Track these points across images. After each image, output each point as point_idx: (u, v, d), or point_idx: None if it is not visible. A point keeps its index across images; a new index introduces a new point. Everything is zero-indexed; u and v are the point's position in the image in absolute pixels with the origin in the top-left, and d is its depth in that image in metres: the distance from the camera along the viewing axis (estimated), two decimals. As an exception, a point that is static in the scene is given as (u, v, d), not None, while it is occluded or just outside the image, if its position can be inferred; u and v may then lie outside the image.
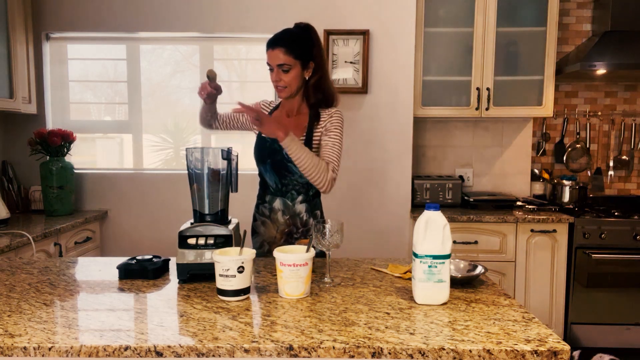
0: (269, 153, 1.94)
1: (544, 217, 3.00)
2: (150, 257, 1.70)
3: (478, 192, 3.52)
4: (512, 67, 3.26)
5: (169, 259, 1.75)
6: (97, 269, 1.74)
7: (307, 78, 1.90)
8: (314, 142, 1.91)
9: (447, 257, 1.36)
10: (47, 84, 3.23)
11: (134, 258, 1.68)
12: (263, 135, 1.95)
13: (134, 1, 3.13)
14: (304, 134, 1.91)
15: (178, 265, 1.57)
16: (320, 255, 1.83)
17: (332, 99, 1.96)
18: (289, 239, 1.98)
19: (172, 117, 3.38)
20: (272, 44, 1.85)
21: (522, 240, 3.03)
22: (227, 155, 1.71)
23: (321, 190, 1.87)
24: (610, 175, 3.58)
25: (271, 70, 1.88)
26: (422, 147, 3.58)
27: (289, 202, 1.96)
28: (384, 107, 3.15)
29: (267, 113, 2.02)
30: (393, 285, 1.56)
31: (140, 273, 1.62)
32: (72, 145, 3.09)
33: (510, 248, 3.03)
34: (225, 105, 3.37)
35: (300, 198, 1.97)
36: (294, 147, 1.76)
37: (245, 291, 1.41)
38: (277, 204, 1.97)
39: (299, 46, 1.86)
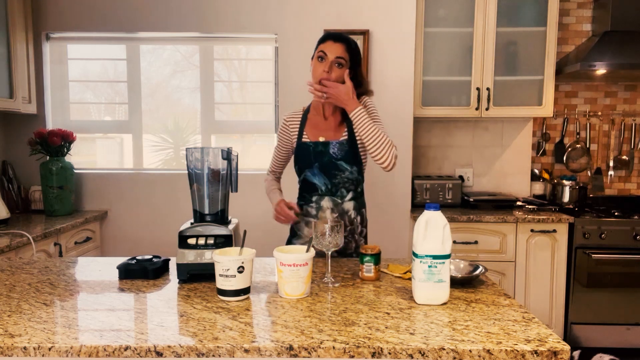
0: (315, 156, 1.93)
1: (544, 217, 3.00)
2: (150, 257, 1.70)
3: (478, 192, 3.52)
4: (512, 67, 3.26)
5: (169, 259, 1.75)
6: (97, 269, 1.74)
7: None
8: (356, 133, 1.91)
9: (447, 257, 1.36)
10: (47, 84, 3.23)
11: (134, 258, 1.68)
12: (303, 141, 1.95)
13: (134, 1, 3.13)
14: (346, 130, 1.93)
15: (178, 265, 1.57)
16: (320, 255, 1.84)
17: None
18: None
19: (172, 117, 3.38)
20: (335, 37, 1.87)
21: (522, 240, 3.03)
22: (227, 155, 1.71)
23: (384, 166, 1.83)
24: (610, 175, 3.58)
25: (321, 60, 1.85)
26: (422, 147, 3.58)
27: (339, 200, 1.95)
28: (384, 107, 3.13)
29: (299, 121, 2.01)
30: (393, 285, 1.56)
31: (140, 273, 1.62)
32: (72, 145, 3.09)
33: (510, 248, 3.03)
34: (226, 105, 3.38)
35: (349, 196, 1.96)
36: (363, 117, 1.79)
37: (245, 291, 1.41)
38: (326, 202, 1.95)
39: (355, 51, 1.90)
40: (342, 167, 1.92)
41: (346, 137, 1.93)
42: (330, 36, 1.88)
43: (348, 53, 1.86)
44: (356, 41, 2.00)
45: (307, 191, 1.99)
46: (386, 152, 1.80)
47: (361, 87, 1.95)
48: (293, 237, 2.04)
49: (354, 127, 1.83)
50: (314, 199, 1.97)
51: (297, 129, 2.00)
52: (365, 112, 1.81)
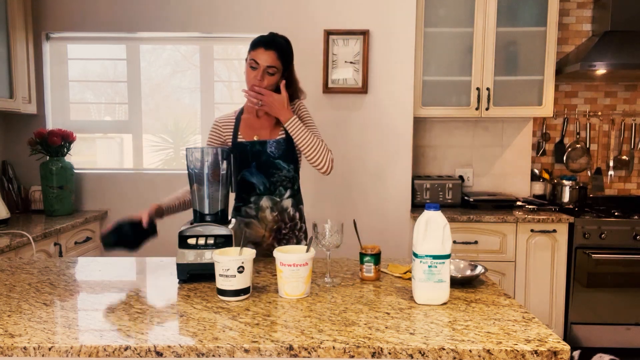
0: (252, 156, 1.93)
1: (544, 217, 3.00)
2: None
3: (478, 192, 3.52)
4: (512, 67, 3.26)
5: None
6: (97, 269, 1.74)
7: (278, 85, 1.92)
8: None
9: (447, 257, 1.36)
10: (47, 84, 3.23)
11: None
12: (239, 141, 1.95)
13: (134, 1, 3.13)
14: (281, 130, 1.94)
15: (178, 265, 1.57)
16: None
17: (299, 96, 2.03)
18: (278, 235, 1.98)
19: (172, 117, 3.38)
20: (267, 44, 1.85)
21: (522, 240, 3.02)
22: (227, 155, 1.71)
23: (322, 171, 1.89)
24: (610, 175, 3.58)
25: (253, 68, 1.86)
26: (422, 147, 3.58)
27: (277, 198, 1.96)
28: (384, 107, 3.14)
29: (232, 123, 2.02)
30: (393, 285, 1.56)
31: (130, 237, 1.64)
32: (72, 145, 3.08)
33: (510, 248, 3.03)
34: (225, 106, 3.38)
35: (287, 193, 1.97)
36: (298, 127, 1.83)
37: (245, 291, 1.41)
38: (265, 202, 1.95)
39: (287, 55, 1.91)
40: (280, 165, 1.93)
41: (283, 136, 1.94)
42: (261, 43, 1.86)
43: (280, 60, 1.87)
44: (287, 38, 1.96)
45: (245, 192, 1.98)
46: (323, 158, 1.87)
47: (290, 88, 1.95)
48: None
49: (291, 135, 1.86)
50: (252, 199, 1.97)
51: (231, 131, 2.00)
52: (299, 121, 1.85)
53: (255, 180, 1.95)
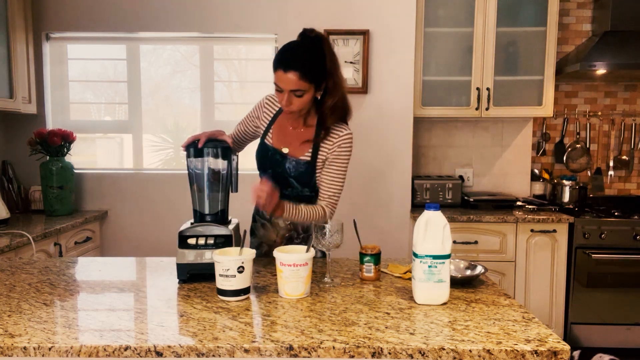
0: (270, 164, 1.85)
1: (544, 217, 3.00)
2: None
3: (478, 192, 3.52)
4: (512, 67, 3.26)
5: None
6: (97, 269, 1.74)
7: (318, 98, 1.77)
8: (318, 159, 1.80)
9: (447, 257, 1.36)
10: (47, 84, 3.23)
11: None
12: (265, 142, 1.87)
13: (134, 1, 3.13)
14: (310, 150, 1.79)
15: (178, 265, 1.57)
16: (320, 255, 1.84)
17: (348, 114, 1.82)
18: (290, 243, 1.92)
19: (172, 117, 3.38)
20: (285, 66, 1.63)
21: (522, 240, 3.02)
22: (227, 155, 1.71)
23: None
24: (610, 175, 3.58)
25: (279, 91, 1.68)
26: (422, 147, 3.58)
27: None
28: (384, 107, 3.14)
29: (272, 114, 1.89)
30: (393, 285, 1.56)
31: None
32: (72, 145, 3.08)
33: (510, 248, 3.03)
34: (226, 105, 3.38)
35: (302, 205, 1.91)
36: (292, 214, 1.73)
37: (245, 291, 1.41)
38: None
39: (315, 68, 1.67)
40: (293, 184, 1.83)
41: (307, 159, 1.79)
42: (280, 64, 1.64)
43: (305, 79, 1.63)
44: (321, 38, 1.71)
45: None
46: (317, 220, 1.77)
47: (338, 112, 1.76)
48: (250, 236, 2.00)
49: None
50: None
51: (267, 122, 1.89)
52: (291, 210, 1.72)
53: None
